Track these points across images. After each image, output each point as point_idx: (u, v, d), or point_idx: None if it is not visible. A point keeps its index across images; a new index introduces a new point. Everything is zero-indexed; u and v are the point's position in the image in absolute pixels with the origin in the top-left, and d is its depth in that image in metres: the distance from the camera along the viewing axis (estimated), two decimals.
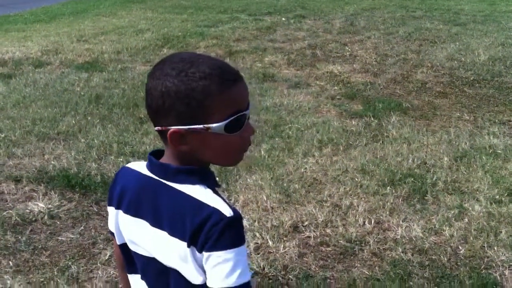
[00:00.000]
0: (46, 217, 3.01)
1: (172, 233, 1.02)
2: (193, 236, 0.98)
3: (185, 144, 1.00)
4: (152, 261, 1.09)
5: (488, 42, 7.84)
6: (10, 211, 3.05)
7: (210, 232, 0.96)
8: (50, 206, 3.11)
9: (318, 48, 7.50)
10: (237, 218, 0.98)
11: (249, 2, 11.78)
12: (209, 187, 1.03)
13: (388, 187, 3.38)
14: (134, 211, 1.09)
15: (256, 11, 10.51)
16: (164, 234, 1.03)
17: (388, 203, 3.20)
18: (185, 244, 0.99)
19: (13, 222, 2.96)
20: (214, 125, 0.97)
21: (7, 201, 3.19)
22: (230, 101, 0.98)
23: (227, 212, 0.97)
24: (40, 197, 3.21)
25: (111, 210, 1.16)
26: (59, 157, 3.75)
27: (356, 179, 3.49)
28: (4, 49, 6.87)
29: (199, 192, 1.01)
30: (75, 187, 3.32)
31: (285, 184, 3.41)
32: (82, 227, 2.96)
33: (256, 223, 2.97)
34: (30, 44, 7.18)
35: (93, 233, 2.90)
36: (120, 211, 1.13)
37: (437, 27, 9.11)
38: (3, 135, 4.05)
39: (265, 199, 3.22)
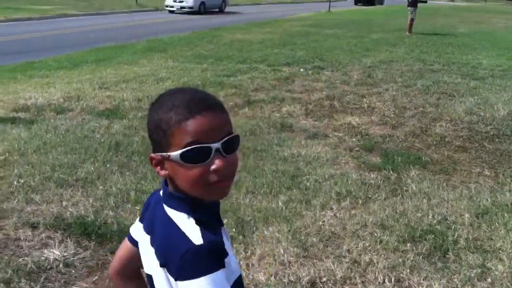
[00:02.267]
0: (61, 265, 2.99)
1: (156, 253, 1.08)
2: (164, 261, 1.03)
3: (164, 170, 1.08)
4: (149, 279, 1.14)
5: (507, 97, 7.84)
6: (26, 258, 3.03)
7: (178, 261, 0.99)
8: (65, 254, 3.09)
9: (336, 99, 7.55)
10: (206, 246, 1.00)
11: (268, 53, 11.97)
12: (193, 217, 1.06)
13: (409, 244, 3.32)
14: (148, 227, 1.18)
15: (275, 62, 10.66)
16: (153, 252, 1.10)
17: (409, 260, 3.13)
18: (158, 263, 1.06)
19: (28, 269, 2.93)
20: (172, 153, 1.03)
21: (23, 247, 3.18)
22: (188, 132, 1.02)
23: (198, 241, 1.00)
24: (56, 244, 3.20)
25: (137, 221, 1.27)
26: (77, 204, 3.75)
27: (376, 234, 3.43)
28: (28, 94, 7.01)
29: (181, 220, 1.06)
30: (91, 235, 3.31)
31: (302, 238, 3.36)
32: (96, 277, 2.92)
33: (272, 278, 2.91)
34: (53, 90, 7.32)
35: (107, 283, 2.86)
36: (142, 225, 1.23)
37: (455, 80, 9.15)
38: (22, 181, 4.08)
39: (282, 252, 3.16)
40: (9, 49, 12.40)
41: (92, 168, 4.39)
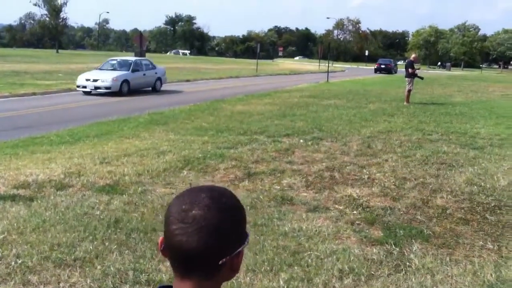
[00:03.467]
0: None
1: None
2: None
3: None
4: None
5: (507, 167, 7.87)
6: None
7: None
8: None
9: (336, 171, 7.57)
10: None
11: (268, 124, 12.12)
12: None
13: None
14: None
15: (275, 133, 10.78)
16: None
17: None
18: None
19: None
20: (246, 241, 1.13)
21: None
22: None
23: None
24: None
25: None
26: (74, 285, 3.69)
27: None
28: (28, 171, 7.04)
29: None
30: None
31: None
32: None
33: None
34: (54, 166, 7.36)
35: None
36: None
37: (454, 150, 9.21)
38: (20, 261, 4.02)
39: None
40: (13, 125, 12.59)
41: (91, 247, 4.35)
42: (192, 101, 17.74)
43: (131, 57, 24.23)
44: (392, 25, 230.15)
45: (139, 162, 7.73)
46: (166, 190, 6.22)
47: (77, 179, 6.63)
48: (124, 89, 20.98)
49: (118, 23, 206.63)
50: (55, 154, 8.41)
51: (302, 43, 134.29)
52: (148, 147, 8.93)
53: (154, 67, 24.05)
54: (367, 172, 7.49)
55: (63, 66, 38.98)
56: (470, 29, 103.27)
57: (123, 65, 22.74)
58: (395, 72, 54.44)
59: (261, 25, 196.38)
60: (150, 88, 23.32)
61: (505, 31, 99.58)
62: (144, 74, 22.98)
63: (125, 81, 21.12)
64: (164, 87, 24.52)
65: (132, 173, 6.98)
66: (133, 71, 22.01)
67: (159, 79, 23.91)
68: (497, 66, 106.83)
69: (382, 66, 57.87)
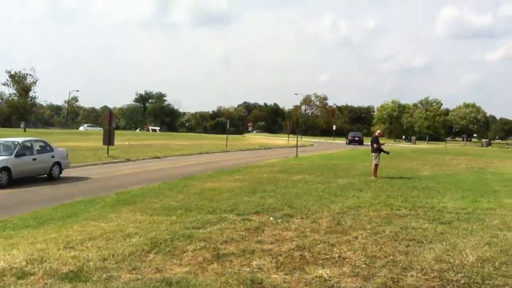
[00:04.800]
0: None
1: None
2: None
3: None
4: None
5: (475, 242, 7.92)
6: None
7: None
8: None
9: (306, 250, 7.49)
10: None
11: (238, 201, 12.06)
12: None
13: None
14: None
15: (245, 211, 10.71)
16: None
17: None
18: None
19: None
20: None
21: None
22: None
23: None
24: None
25: None
26: None
27: None
28: None
29: None
30: None
31: None
32: None
33: None
34: (16, 252, 7.09)
35: None
36: None
37: (423, 226, 9.26)
38: None
39: None
40: None
41: None
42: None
43: (18, 138, 20.06)
44: (357, 100, 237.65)
45: (104, 245, 7.52)
46: (131, 276, 6.02)
47: (39, 266, 6.38)
48: (3, 180, 16.98)
49: (87, 101, 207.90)
50: (17, 239, 8.14)
51: (271, 118, 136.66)
52: (114, 230, 8.73)
53: (50, 150, 20.07)
54: (338, 251, 7.43)
55: None
56: (433, 104, 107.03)
57: (4, 148, 18.57)
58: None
59: (230, 101, 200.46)
60: (46, 176, 19.43)
61: (466, 105, 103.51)
62: (35, 159, 18.92)
63: (4, 168, 17.16)
64: (69, 172, 20.89)
65: (97, 258, 6.76)
66: (17, 155, 18.03)
67: (57, 164, 19.82)
68: (461, 139, 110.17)
69: (356, 138, 66.52)
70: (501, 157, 37.95)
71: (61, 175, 19.91)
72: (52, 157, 19.70)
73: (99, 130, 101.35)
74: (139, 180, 18.13)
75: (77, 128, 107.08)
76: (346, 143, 66.00)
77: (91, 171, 21.97)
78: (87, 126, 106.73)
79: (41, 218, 10.20)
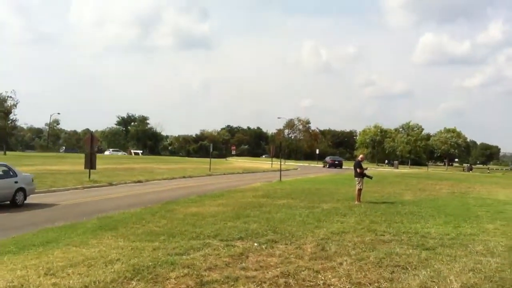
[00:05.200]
0: None
1: None
2: None
3: None
4: None
5: (459, 268, 7.93)
6: None
7: None
8: None
9: (291, 277, 7.42)
10: None
11: (221, 227, 11.96)
12: None
13: None
14: None
15: (228, 236, 10.61)
16: None
17: None
18: None
19: None
20: None
21: None
22: None
23: None
24: None
25: None
26: None
27: None
28: None
29: None
30: None
31: None
32: None
33: None
34: None
35: None
36: None
37: (407, 251, 9.25)
38: None
39: None
40: None
41: None
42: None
43: None
44: (340, 125, 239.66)
45: (85, 272, 7.37)
46: None
47: None
48: None
49: (69, 124, 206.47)
50: None
51: (254, 142, 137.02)
52: (96, 256, 8.57)
53: (14, 175, 18.19)
54: (322, 278, 7.38)
55: None
56: (414, 129, 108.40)
57: None
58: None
59: (214, 125, 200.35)
60: (8, 202, 17.58)
61: (447, 130, 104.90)
62: None
63: None
64: (35, 199, 19.31)
65: (78, 286, 6.63)
66: None
67: (21, 190, 18.05)
68: (442, 164, 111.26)
69: (336, 162, 69.89)
70: (483, 182, 38.33)
71: (28, 201, 18.41)
72: (16, 182, 17.97)
73: (122, 154, 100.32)
74: (121, 204, 17.90)
75: (58, 151, 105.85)
76: (323, 167, 70.52)
77: (69, 196, 21.58)
78: (112, 150, 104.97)
79: (21, 244, 9.98)
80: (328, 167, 67.74)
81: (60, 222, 12.69)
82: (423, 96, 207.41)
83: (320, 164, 79.90)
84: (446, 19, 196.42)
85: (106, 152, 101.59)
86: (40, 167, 37.42)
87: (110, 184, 27.80)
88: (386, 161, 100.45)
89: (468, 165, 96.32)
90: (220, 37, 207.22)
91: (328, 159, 75.03)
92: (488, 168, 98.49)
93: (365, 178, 19.38)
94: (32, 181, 19.44)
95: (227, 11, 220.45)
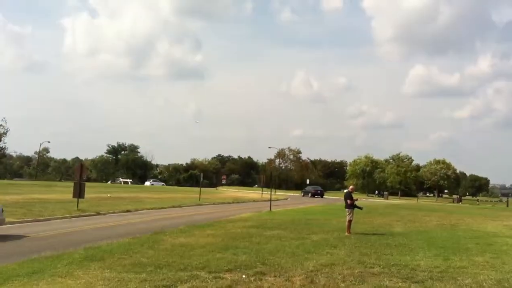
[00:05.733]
0: None
1: None
2: None
3: None
4: None
5: None
6: None
7: None
8: None
9: None
10: None
11: (210, 258, 11.84)
12: None
13: None
14: None
15: (217, 268, 10.50)
16: None
17: None
18: None
19: None
20: None
21: None
22: None
23: None
24: None
25: None
26: None
27: None
28: None
29: None
30: None
31: None
32: None
33: None
34: None
35: None
36: None
37: (396, 285, 9.20)
38: None
39: None
40: None
41: None
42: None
43: None
44: (330, 154, 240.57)
45: None
46: None
47: None
48: None
49: (58, 152, 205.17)
50: None
51: (245, 171, 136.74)
52: None
53: None
54: None
55: None
56: (404, 160, 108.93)
57: None
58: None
59: (204, 153, 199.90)
60: None
61: (437, 162, 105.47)
62: None
63: None
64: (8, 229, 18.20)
65: None
66: None
67: None
68: (432, 195, 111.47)
69: (318, 192, 74.17)
70: (472, 214, 38.37)
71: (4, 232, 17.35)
72: None
73: (161, 185, 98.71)
74: (108, 234, 17.68)
75: (47, 180, 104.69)
76: (303, 196, 74.82)
77: (55, 226, 21.28)
78: (153, 181, 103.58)
79: (5, 274, 9.79)
80: (310, 197, 71.68)
81: (46, 252, 12.49)
82: (413, 127, 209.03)
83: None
84: (435, 51, 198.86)
85: (147, 183, 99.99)
86: (27, 196, 37.05)
87: (98, 214, 27.48)
88: (376, 191, 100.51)
89: (458, 196, 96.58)
90: (212, 67, 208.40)
91: (310, 188, 78.88)
92: (477, 200, 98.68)
93: (355, 209, 19.33)
94: (2, 211, 17.98)
95: (219, 42, 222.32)
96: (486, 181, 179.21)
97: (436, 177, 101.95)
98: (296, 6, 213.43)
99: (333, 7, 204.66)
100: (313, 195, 72.74)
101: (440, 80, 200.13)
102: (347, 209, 19.04)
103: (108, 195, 42.98)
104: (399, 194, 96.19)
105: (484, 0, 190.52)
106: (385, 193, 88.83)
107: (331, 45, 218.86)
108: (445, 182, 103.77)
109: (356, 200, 19.74)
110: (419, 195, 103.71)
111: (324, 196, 72.08)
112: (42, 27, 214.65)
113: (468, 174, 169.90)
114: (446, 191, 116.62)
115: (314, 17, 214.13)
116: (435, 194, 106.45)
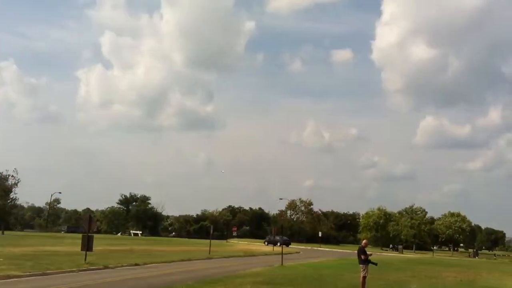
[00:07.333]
0: None
1: None
2: None
3: None
4: None
5: None
6: None
7: None
8: None
9: None
10: None
11: None
12: None
13: None
14: None
15: None
16: None
17: None
18: None
19: None
20: None
21: None
22: None
23: None
24: None
25: None
26: None
27: None
28: None
29: None
30: None
31: None
32: None
33: None
34: None
35: None
36: None
37: None
38: None
39: None
40: None
41: None
42: None
43: None
44: (342, 206, 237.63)
45: None
46: None
47: None
48: None
49: (69, 202, 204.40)
50: None
51: (256, 223, 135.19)
52: None
53: None
54: None
55: (6, 249, 37.03)
56: (418, 212, 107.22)
57: None
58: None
59: (215, 204, 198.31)
60: None
61: (451, 214, 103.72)
62: None
63: None
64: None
65: None
66: None
67: None
68: (447, 248, 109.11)
69: (287, 240, 70.81)
70: (490, 269, 37.26)
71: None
72: None
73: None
74: None
75: (59, 231, 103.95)
76: (266, 244, 74.34)
77: (60, 280, 20.81)
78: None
79: None
80: (279, 245, 70.62)
81: None
82: (425, 178, 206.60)
83: (323, 248, 78.39)
84: (446, 103, 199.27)
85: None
86: (37, 248, 36.66)
87: (106, 267, 26.94)
88: (391, 245, 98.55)
89: (474, 250, 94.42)
90: (223, 117, 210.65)
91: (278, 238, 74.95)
92: (494, 254, 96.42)
93: (370, 264, 18.71)
94: None
95: (230, 92, 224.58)
96: (502, 234, 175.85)
97: (450, 230, 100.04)
98: (306, 57, 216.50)
99: (343, 58, 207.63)
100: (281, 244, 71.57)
101: (451, 131, 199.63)
102: (361, 265, 18.45)
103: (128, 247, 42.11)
104: (413, 248, 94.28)
105: (492, 52, 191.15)
106: (399, 247, 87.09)
107: (341, 95, 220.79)
108: (460, 236, 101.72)
109: (370, 255, 19.14)
110: (434, 248, 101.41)
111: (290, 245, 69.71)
112: (57, 78, 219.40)
113: (483, 227, 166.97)
114: (461, 244, 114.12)
115: (325, 68, 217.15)
116: (450, 248, 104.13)
